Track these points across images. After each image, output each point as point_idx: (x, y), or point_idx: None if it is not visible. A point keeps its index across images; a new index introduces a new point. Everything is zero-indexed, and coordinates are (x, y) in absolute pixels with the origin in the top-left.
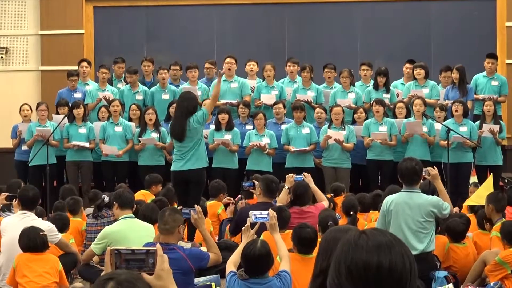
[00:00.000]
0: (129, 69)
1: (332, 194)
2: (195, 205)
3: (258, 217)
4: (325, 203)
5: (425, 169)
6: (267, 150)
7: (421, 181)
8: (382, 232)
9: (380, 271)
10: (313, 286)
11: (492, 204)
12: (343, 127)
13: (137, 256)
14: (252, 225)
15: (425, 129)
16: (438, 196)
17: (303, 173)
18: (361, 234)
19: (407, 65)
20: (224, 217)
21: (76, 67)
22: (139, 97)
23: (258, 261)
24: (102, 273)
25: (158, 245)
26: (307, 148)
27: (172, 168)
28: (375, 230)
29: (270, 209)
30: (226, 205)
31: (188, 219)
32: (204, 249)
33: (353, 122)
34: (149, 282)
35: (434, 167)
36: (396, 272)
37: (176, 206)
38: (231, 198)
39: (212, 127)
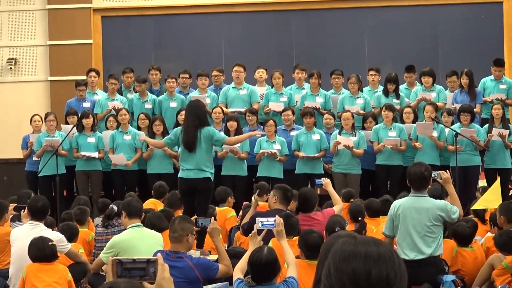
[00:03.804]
0: (138, 78)
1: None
2: (212, 217)
3: (264, 224)
4: (336, 208)
5: (437, 172)
6: (278, 157)
7: (430, 186)
8: (375, 241)
9: (369, 278)
10: None
11: (504, 216)
12: (353, 133)
13: (138, 265)
14: (259, 231)
15: (435, 134)
16: (449, 199)
17: (322, 178)
18: (350, 240)
19: (406, 74)
20: (233, 223)
21: (84, 77)
22: (148, 106)
23: (265, 268)
24: (104, 283)
25: (159, 254)
26: (316, 155)
27: (179, 175)
28: (368, 239)
29: (277, 215)
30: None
31: (200, 228)
32: (213, 257)
33: (363, 129)
34: None
35: (447, 170)
36: (382, 282)
37: (181, 212)
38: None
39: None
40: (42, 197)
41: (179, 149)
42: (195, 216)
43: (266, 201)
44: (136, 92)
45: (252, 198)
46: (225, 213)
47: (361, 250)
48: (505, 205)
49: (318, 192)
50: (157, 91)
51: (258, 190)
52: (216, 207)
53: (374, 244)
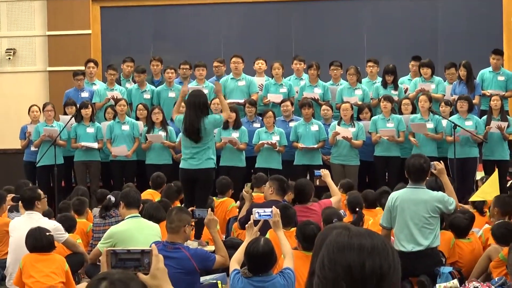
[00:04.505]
0: (137, 68)
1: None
2: (209, 209)
3: (261, 215)
4: (334, 200)
5: (431, 163)
6: (277, 147)
7: (427, 177)
8: (369, 233)
9: (363, 270)
10: (309, 283)
11: (498, 207)
12: (352, 124)
13: (133, 256)
14: (256, 222)
15: (431, 125)
16: (443, 191)
17: (321, 169)
18: (344, 232)
19: (413, 62)
20: (235, 213)
21: (83, 68)
22: (147, 96)
23: (261, 259)
24: (98, 273)
25: (153, 245)
26: (315, 146)
27: (181, 166)
28: (362, 231)
29: (273, 206)
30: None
31: (197, 219)
32: (211, 248)
33: (358, 120)
34: (145, 282)
35: (441, 161)
36: (376, 274)
37: (178, 204)
38: None
39: None
40: (32, 186)
41: (177, 139)
42: (192, 207)
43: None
44: (134, 82)
45: (243, 191)
46: (226, 204)
47: (355, 242)
48: (501, 198)
49: (317, 183)
50: (158, 81)
51: (248, 183)
52: (215, 198)
53: (368, 236)
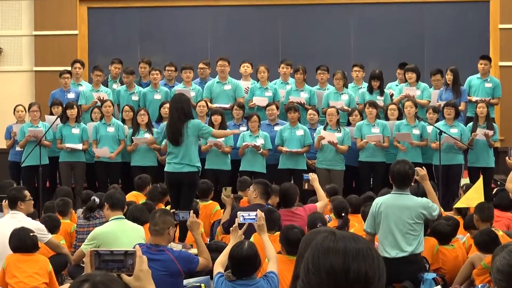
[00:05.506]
0: (126, 69)
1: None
2: (191, 211)
3: (246, 218)
4: (319, 204)
5: (415, 168)
6: (261, 150)
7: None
8: (354, 237)
9: (347, 275)
10: (292, 287)
11: (477, 214)
12: (338, 129)
13: (116, 257)
14: (240, 225)
15: (417, 132)
16: (426, 197)
17: (310, 173)
18: (330, 236)
19: (399, 70)
20: (219, 217)
21: (69, 68)
22: (135, 98)
23: (245, 262)
24: (81, 275)
25: (137, 246)
26: (299, 150)
27: (166, 169)
28: (348, 235)
29: (258, 209)
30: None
31: (180, 221)
32: (195, 250)
33: (348, 124)
34: (128, 283)
35: (423, 167)
36: (361, 279)
37: (162, 206)
38: None
39: None
40: (18, 186)
41: (163, 143)
42: (173, 210)
43: None
44: (122, 83)
45: (223, 195)
46: (210, 208)
47: (340, 246)
48: (480, 205)
49: (306, 187)
50: (145, 84)
51: (228, 188)
52: (199, 201)
53: (353, 240)
